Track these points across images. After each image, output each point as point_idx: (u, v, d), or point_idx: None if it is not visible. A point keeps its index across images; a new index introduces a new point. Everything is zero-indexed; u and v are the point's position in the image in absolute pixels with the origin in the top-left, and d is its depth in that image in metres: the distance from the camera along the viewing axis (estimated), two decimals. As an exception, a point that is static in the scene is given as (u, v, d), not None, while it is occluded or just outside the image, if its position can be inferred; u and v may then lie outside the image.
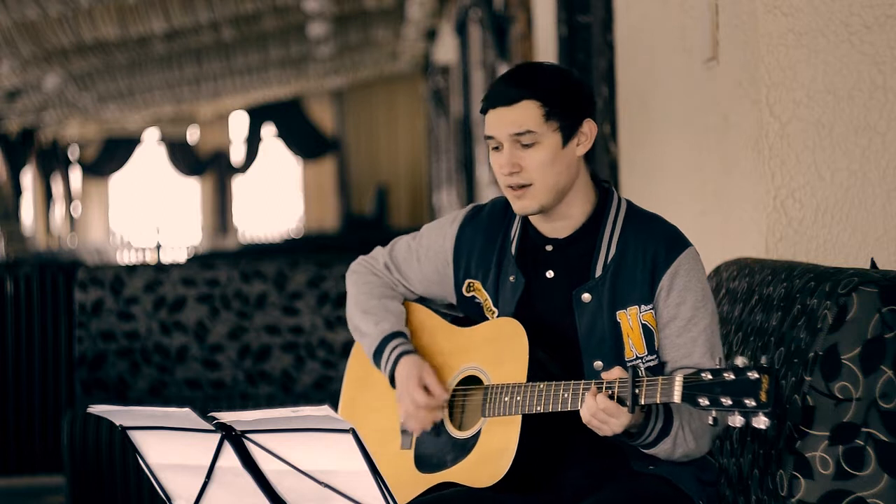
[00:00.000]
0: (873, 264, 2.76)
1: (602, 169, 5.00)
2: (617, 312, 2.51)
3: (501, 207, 2.68)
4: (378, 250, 2.82)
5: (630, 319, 2.51)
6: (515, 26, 7.70)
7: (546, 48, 6.46)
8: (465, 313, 2.70)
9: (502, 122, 2.52)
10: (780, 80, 3.06)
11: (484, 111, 2.56)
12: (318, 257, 5.14)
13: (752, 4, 3.09)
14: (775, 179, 3.07)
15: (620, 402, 2.32)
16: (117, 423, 2.16)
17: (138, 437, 2.17)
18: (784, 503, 2.37)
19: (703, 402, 2.22)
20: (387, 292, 2.77)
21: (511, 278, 2.60)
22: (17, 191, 18.20)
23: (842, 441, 2.31)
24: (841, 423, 2.31)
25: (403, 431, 2.68)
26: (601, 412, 2.33)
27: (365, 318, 2.74)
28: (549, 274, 2.58)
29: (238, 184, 23.21)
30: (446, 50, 14.72)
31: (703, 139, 3.62)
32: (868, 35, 3.05)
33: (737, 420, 2.19)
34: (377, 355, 2.70)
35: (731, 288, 2.99)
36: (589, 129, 2.55)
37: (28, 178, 19.18)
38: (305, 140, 22.39)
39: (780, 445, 2.41)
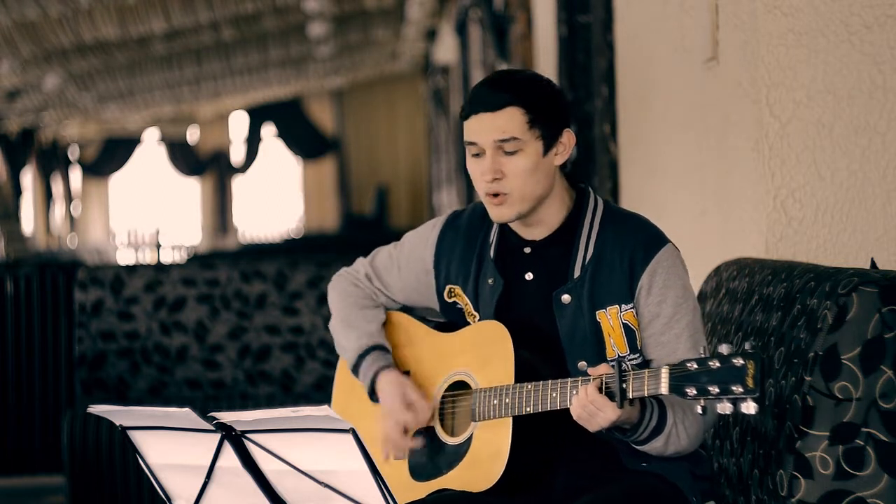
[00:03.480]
0: (873, 264, 2.76)
1: (602, 169, 5.00)
2: (597, 312, 2.51)
3: (480, 213, 2.68)
4: (360, 261, 2.82)
5: (610, 319, 2.51)
6: (515, 26, 7.70)
7: (546, 48, 6.46)
8: (448, 319, 2.70)
9: (486, 128, 2.51)
10: (780, 80, 3.06)
11: (465, 117, 2.55)
12: (318, 257, 5.14)
13: (752, 4, 3.09)
14: (775, 179, 3.07)
15: (609, 395, 2.32)
16: (117, 423, 2.16)
17: (138, 437, 2.17)
18: (784, 503, 2.37)
19: (691, 391, 2.22)
20: (367, 303, 2.78)
21: (490, 281, 2.60)
22: (17, 191, 18.20)
23: (842, 441, 2.31)
24: (841, 423, 2.31)
25: None
26: (590, 404, 2.33)
27: (345, 331, 2.75)
28: (529, 276, 2.58)
29: (238, 184, 23.22)
30: (446, 50, 14.72)
31: (703, 139, 3.62)
32: (868, 35, 3.05)
33: (726, 407, 2.19)
34: (355, 370, 2.72)
35: (731, 288, 2.99)
36: (567, 139, 2.55)
37: (28, 178, 19.18)
38: (305, 140, 22.39)
39: (780, 445, 2.41)
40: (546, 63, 6.35)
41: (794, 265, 2.70)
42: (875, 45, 3.05)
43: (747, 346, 2.19)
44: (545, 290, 2.56)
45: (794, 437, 2.35)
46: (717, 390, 2.19)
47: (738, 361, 2.18)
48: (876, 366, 2.31)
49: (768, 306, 2.67)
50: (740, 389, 2.17)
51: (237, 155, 22.98)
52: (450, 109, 14.68)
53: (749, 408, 2.18)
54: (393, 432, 2.61)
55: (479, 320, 2.61)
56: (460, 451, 2.55)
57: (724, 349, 2.20)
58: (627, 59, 4.66)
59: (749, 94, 3.13)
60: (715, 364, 2.20)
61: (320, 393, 4.95)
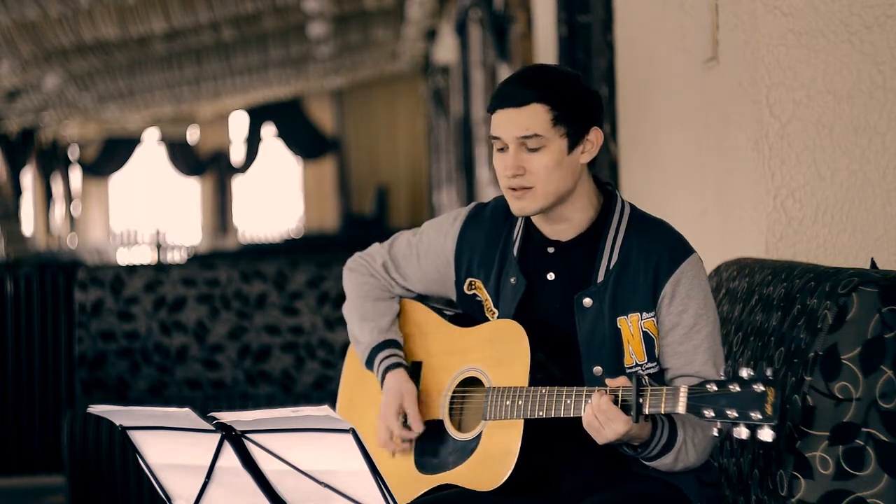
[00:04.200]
0: (873, 264, 2.76)
1: (602, 169, 5.00)
2: (618, 319, 2.50)
3: (504, 207, 2.65)
4: (376, 248, 2.80)
5: (631, 326, 2.50)
6: (515, 26, 7.70)
7: (546, 48, 6.46)
8: (466, 311, 2.69)
9: (510, 123, 2.49)
10: (780, 80, 3.06)
11: (491, 110, 2.53)
12: (318, 257, 5.14)
13: (752, 4, 3.09)
14: (775, 179, 3.07)
15: (625, 409, 2.31)
16: (117, 423, 2.16)
17: (138, 437, 2.17)
18: (784, 503, 2.36)
19: (709, 413, 2.21)
20: (382, 294, 2.77)
21: (512, 280, 2.58)
22: (17, 191, 18.21)
23: (842, 441, 2.31)
24: (841, 423, 2.31)
25: None
26: (602, 414, 2.32)
27: (360, 323, 2.75)
28: (551, 276, 2.56)
29: (238, 184, 23.22)
30: (446, 50, 14.72)
31: (703, 139, 3.62)
32: (868, 35, 3.05)
33: (742, 432, 2.17)
34: (369, 364, 2.73)
35: (731, 288, 2.98)
36: (595, 137, 2.52)
37: (28, 178, 19.19)
38: (305, 140, 22.39)
39: (780, 445, 2.41)
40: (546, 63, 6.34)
41: (794, 265, 2.70)
42: (875, 45, 3.05)
43: (769, 372, 2.18)
44: (566, 291, 2.54)
45: (794, 437, 2.35)
46: (735, 415, 2.18)
47: (759, 388, 2.17)
48: (876, 366, 2.31)
49: (768, 306, 2.67)
50: (758, 416, 2.16)
51: (237, 155, 22.98)
52: (450, 109, 14.68)
53: (765, 435, 2.16)
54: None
55: (498, 317, 2.60)
56: (468, 447, 2.55)
57: (744, 373, 2.18)
58: (627, 59, 4.66)
59: (749, 94, 3.13)
60: (735, 388, 2.19)
61: (320, 393, 4.95)
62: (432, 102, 17.48)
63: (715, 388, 2.21)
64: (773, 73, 3.06)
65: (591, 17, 5.30)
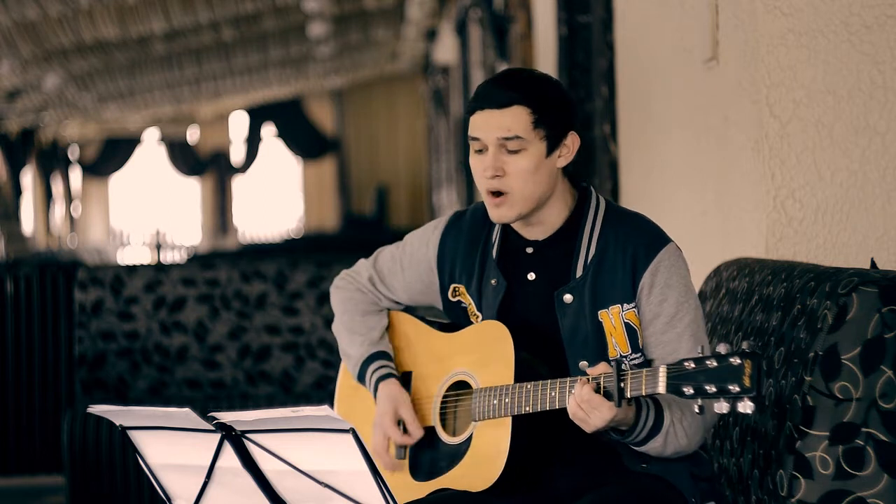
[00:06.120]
0: (873, 264, 2.76)
1: (602, 169, 5.00)
2: (599, 312, 2.51)
3: (482, 213, 2.67)
4: (361, 263, 2.83)
5: (612, 318, 2.51)
6: (515, 26, 7.71)
7: (546, 48, 6.47)
8: (452, 318, 2.70)
9: (491, 124, 2.50)
10: (780, 80, 3.06)
11: (470, 112, 2.55)
12: (318, 257, 5.14)
13: (752, 4, 3.09)
14: (775, 179, 3.07)
15: (608, 395, 2.32)
16: (117, 423, 2.16)
17: (138, 437, 2.17)
18: (784, 503, 2.37)
19: (688, 390, 2.22)
20: (370, 308, 2.79)
21: (493, 282, 2.60)
22: (17, 191, 18.21)
23: (842, 441, 2.31)
24: (841, 423, 2.32)
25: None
26: (585, 403, 2.33)
27: (349, 337, 2.77)
28: (531, 276, 2.58)
29: (238, 184, 23.23)
30: (446, 50, 14.73)
31: (703, 139, 3.62)
32: (868, 35, 3.05)
33: (723, 406, 2.19)
34: (360, 378, 2.74)
35: (731, 288, 2.99)
36: (572, 141, 2.54)
37: (28, 178, 19.19)
38: (305, 140, 22.40)
39: (780, 445, 2.41)
40: (546, 63, 6.35)
41: (794, 265, 2.70)
42: (875, 45, 3.05)
43: (745, 345, 2.19)
44: (547, 289, 2.56)
45: (794, 437, 2.35)
46: (713, 389, 2.19)
47: (736, 361, 2.18)
48: (876, 366, 2.31)
49: (768, 306, 2.67)
50: (737, 388, 2.17)
51: (237, 155, 22.99)
52: (450, 109, 14.69)
53: (746, 407, 2.17)
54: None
55: (481, 320, 2.62)
56: (460, 450, 2.56)
57: (721, 348, 2.20)
58: (627, 59, 4.66)
59: (749, 94, 3.13)
60: (712, 363, 2.20)
61: (320, 393, 4.95)
62: (432, 102, 17.49)
63: (693, 365, 2.23)
64: (773, 73, 3.06)
65: (591, 17, 5.30)
